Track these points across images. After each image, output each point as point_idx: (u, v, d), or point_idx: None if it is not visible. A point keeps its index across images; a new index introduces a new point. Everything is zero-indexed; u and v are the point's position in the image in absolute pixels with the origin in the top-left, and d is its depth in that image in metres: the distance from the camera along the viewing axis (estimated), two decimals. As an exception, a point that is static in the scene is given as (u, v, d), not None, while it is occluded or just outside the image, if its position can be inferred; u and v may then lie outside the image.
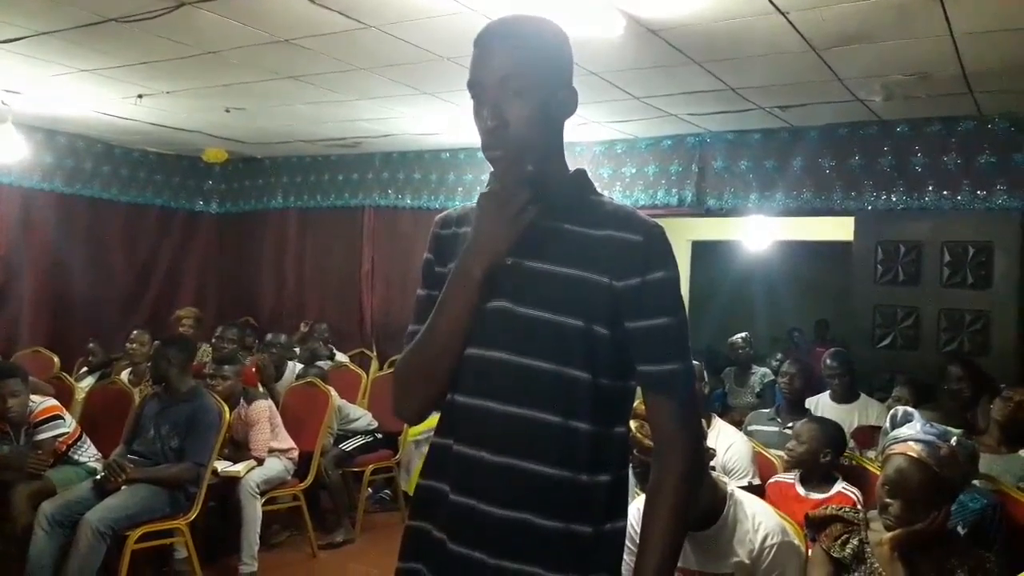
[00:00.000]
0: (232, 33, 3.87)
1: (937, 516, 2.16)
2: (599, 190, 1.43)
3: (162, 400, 4.01)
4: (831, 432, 3.08)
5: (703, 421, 2.80)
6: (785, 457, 3.09)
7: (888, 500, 2.19)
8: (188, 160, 7.66)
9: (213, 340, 5.79)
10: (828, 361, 4.47)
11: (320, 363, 5.87)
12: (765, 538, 2.25)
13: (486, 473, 1.31)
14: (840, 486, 2.96)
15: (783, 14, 3.31)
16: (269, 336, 5.90)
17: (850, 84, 4.26)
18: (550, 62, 1.34)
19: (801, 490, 2.99)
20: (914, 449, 2.21)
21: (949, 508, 2.22)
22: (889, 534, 2.17)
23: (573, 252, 1.31)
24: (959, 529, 2.55)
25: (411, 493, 5.38)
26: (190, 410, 3.91)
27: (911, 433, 2.27)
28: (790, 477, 3.11)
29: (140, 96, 5.23)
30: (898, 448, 2.25)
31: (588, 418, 1.30)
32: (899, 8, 3.22)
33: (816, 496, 2.92)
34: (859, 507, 2.62)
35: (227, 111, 5.58)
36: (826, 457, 3.00)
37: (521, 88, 1.28)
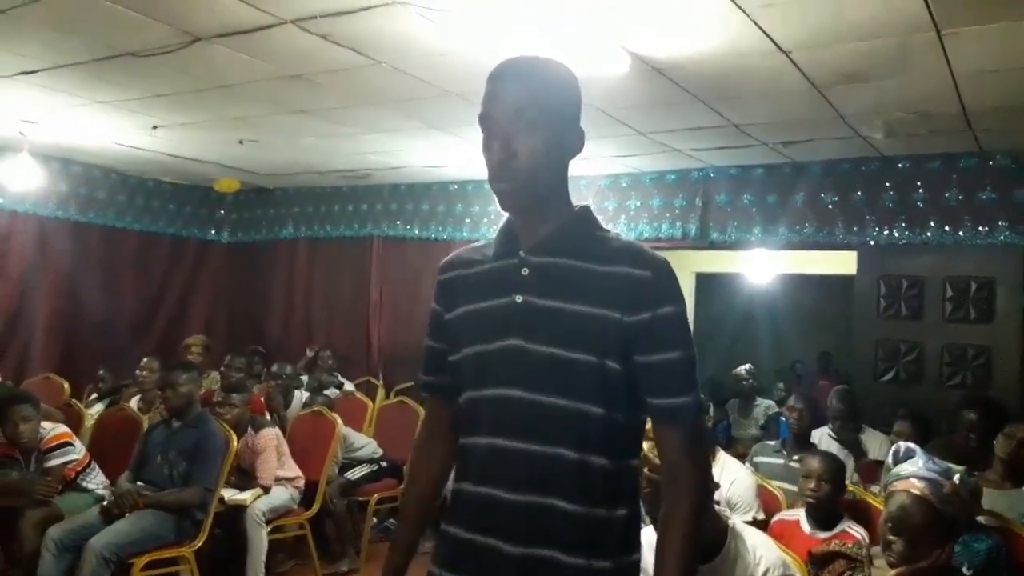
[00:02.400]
0: (246, 68, 3.95)
1: (940, 554, 2.16)
2: (604, 223, 1.46)
3: (169, 427, 4.04)
4: (840, 468, 3.11)
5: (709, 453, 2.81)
6: (807, 497, 3.01)
7: (891, 537, 2.20)
8: (200, 190, 7.75)
9: (222, 368, 5.84)
10: (834, 402, 4.47)
11: (327, 392, 5.89)
12: (766, 572, 2.27)
13: (507, 512, 1.33)
14: (845, 524, 2.95)
15: (785, 53, 3.38)
16: (275, 367, 5.93)
17: (852, 121, 4.32)
18: (560, 100, 1.37)
19: (807, 527, 2.98)
20: (917, 487, 2.22)
21: (952, 546, 2.23)
22: (893, 572, 2.18)
23: (582, 288, 1.33)
24: (964, 570, 2.55)
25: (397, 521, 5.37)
26: (197, 436, 3.94)
27: (913, 470, 2.28)
28: (794, 515, 3.10)
29: (155, 127, 5.32)
30: (901, 485, 2.26)
31: (603, 452, 1.32)
32: (900, 48, 3.28)
33: (822, 534, 2.91)
34: (863, 545, 2.62)
35: (240, 143, 5.66)
36: (839, 494, 3.03)
37: (531, 122, 1.32)
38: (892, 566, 2.19)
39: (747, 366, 5.93)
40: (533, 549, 1.31)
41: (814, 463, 3.06)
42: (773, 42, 3.26)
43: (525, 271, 1.37)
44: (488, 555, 1.33)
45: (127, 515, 3.67)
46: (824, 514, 2.98)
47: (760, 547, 2.34)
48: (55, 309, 6.81)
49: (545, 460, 1.32)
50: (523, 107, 1.32)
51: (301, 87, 4.23)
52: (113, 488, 3.94)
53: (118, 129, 5.50)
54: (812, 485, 2.99)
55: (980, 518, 2.74)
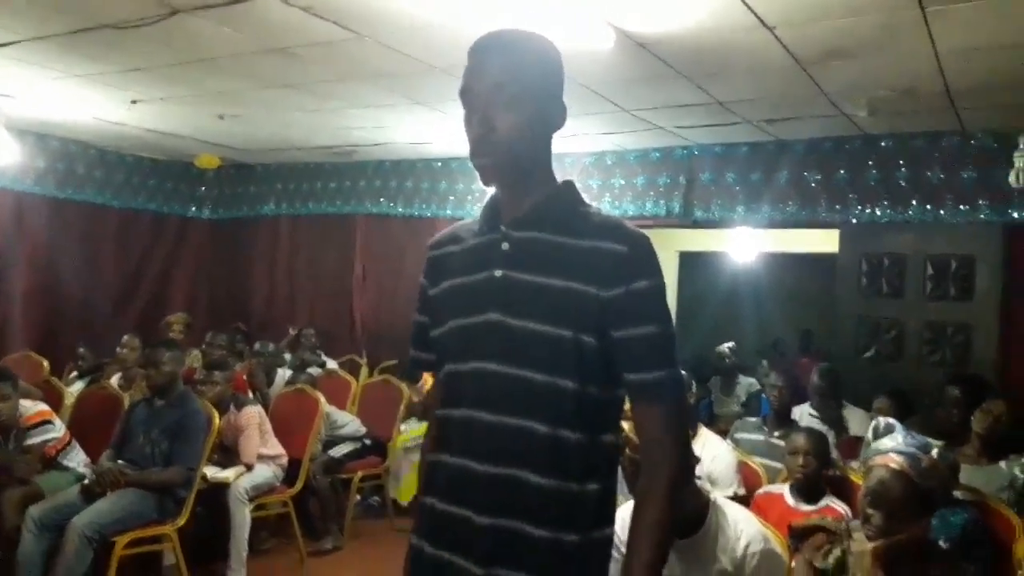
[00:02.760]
0: (226, 41, 3.89)
1: (918, 527, 2.20)
2: (588, 200, 1.45)
3: (151, 405, 4.02)
4: (825, 442, 3.16)
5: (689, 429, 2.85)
6: (795, 473, 3.06)
7: (870, 511, 2.23)
8: (181, 166, 7.66)
9: (203, 346, 5.81)
10: (816, 380, 4.50)
11: (310, 370, 5.88)
12: (747, 546, 2.29)
13: (480, 484, 1.34)
14: (828, 499, 3.00)
15: (770, 29, 3.37)
16: (257, 345, 5.91)
17: (835, 99, 4.32)
18: (542, 75, 1.37)
19: (791, 501, 3.02)
20: (895, 461, 2.25)
21: (929, 519, 2.26)
22: (871, 544, 2.21)
23: (561, 263, 1.33)
24: (941, 543, 2.59)
25: (400, 500, 5.41)
26: (179, 414, 3.92)
27: (893, 445, 2.31)
28: (779, 488, 3.14)
29: (134, 101, 5.24)
30: (880, 460, 2.29)
31: (576, 427, 1.32)
32: (884, 26, 3.28)
33: (806, 508, 2.96)
34: (845, 518, 2.66)
35: (220, 118, 5.59)
36: (824, 468, 3.07)
37: (512, 96, 1.32)
38: (870, 539, 2.22)
39: (730, 344, 5.98)
40: (502, 520, 1.32)
41: (800, 439, 3.09)
42: (757, 17, 3.25)
43: (505, 245, 1.38)
44: (461, 526, 1.35)
45: (109, 494, 3.66)
46: (809, 489, 3.02)
47: (741, 521, 2.37)
48: (34, 286, 6.73)
49: (518, 433, 1.32)
50: (504, 81, 1.32)
51: (283, 61, 4.17)
52: (94, 467, 3.92)
53: (96, 103, 5.42)
54: (800, 461, 3.02)
55: (957, 493, 2.78)
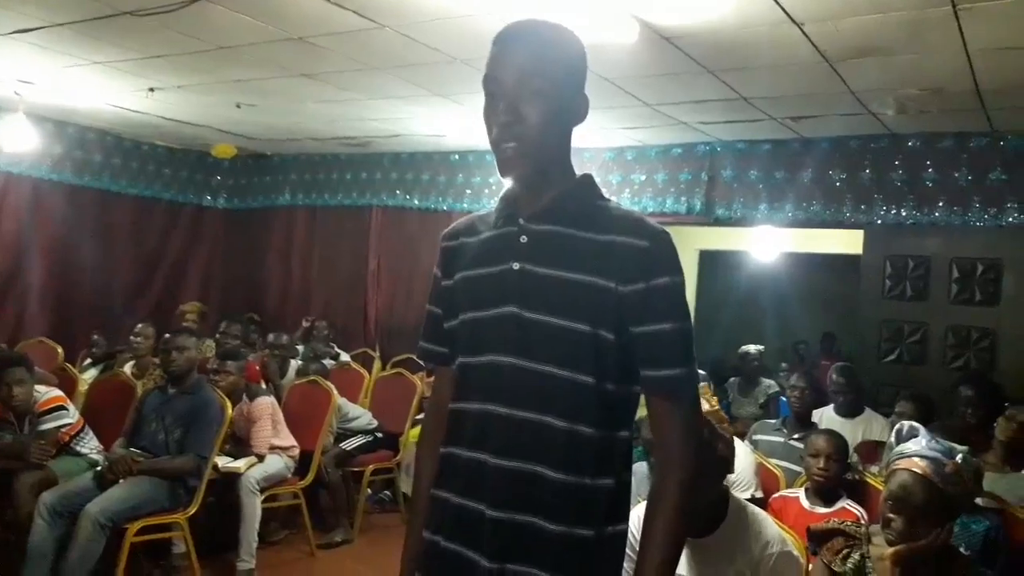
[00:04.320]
0: (246, 29, 3.88)
1: (940, 533, 2.14)
2: (608, 196, 1.44)
3: (164, 393, 4.02)
4: (845, 445, 3.13)
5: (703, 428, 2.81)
6: (816, 476, 3.03)
7: (891, 515, 2.18)
8: (197, 155, 7.68)
9: (217, 335, 5.81)
10: (834, 376, 4.45)
11: (324, 361, 5.86)
12: (765, 547, 2.25)
13: (493, 477, 1.33)
14: (844, 502, 2.98)
15: (798, 25, 3.31)
16: (271, 337, 5.90)
17: (862, 97, 4.26)
18: (567, 67, 1.35)
19: (806, 504, 3.00)
20: (919, 465, 2.19)
21: (952, 525, 2.21)
22: (891, 549, 2.16)
23: (579, 257, 1.32)
24: (962, 550, 2.54)
25: (411, 495, 5.38)
26: (193, 402, 3.92)
27: (916, 448, 2.25)
28: (794, 492, 3.11)
29: (151, 89, 5.24)
30: (903, 463, 2.23)
31: (593, 422, 1.31)
32: (914, 23, 3.22)
33: (821, 510, 2.93)
34: (862, 522, 2.61)
35: (238, 107, 5.59)
36: (844, 471, 3.05)
37: (538, 88, 1.30)
38: (891, 544, 2.17)
39: (759, 346, 5.87)
40: (515, 515, 1.31)
41: (820, 442, 3.07)
42: (785, 12, 3.20)
43: (524, 239, 1.36)
44: (474, 520, 1.34)
45: (121, 481, 3.66)
46: (827, 491, 3.00)
47: (760, 522, 2.32)
48: (49, 273, 6.77)
49: (533, 427, 1.31)
50: (529, 73, 1.30)
51: (302, 50, 4.15)
52: (107, 454, 3.92)
53: (114, 91, 5.43)
54: (821, 464, 3.01)
55: (979, 500, 2.73)
